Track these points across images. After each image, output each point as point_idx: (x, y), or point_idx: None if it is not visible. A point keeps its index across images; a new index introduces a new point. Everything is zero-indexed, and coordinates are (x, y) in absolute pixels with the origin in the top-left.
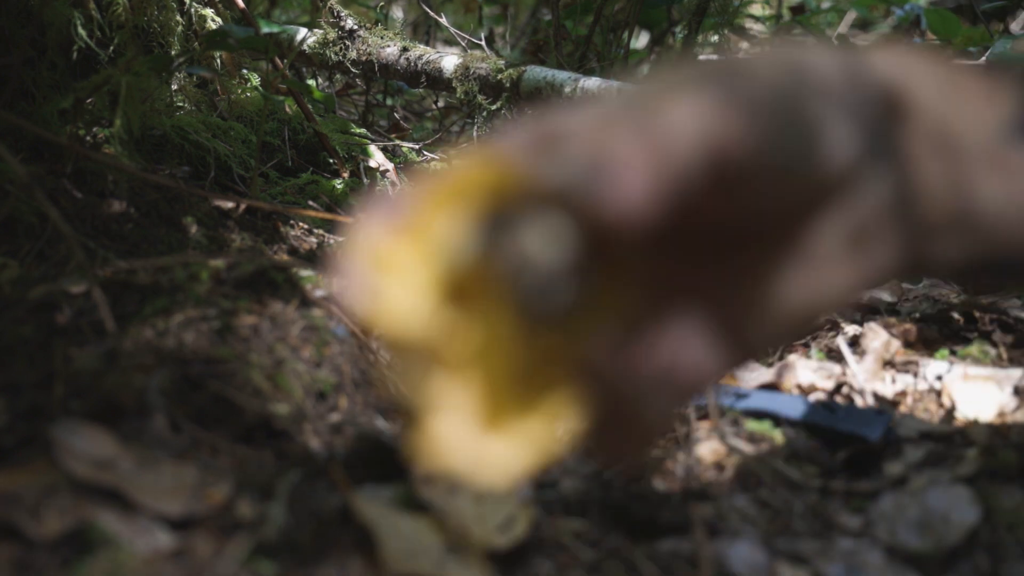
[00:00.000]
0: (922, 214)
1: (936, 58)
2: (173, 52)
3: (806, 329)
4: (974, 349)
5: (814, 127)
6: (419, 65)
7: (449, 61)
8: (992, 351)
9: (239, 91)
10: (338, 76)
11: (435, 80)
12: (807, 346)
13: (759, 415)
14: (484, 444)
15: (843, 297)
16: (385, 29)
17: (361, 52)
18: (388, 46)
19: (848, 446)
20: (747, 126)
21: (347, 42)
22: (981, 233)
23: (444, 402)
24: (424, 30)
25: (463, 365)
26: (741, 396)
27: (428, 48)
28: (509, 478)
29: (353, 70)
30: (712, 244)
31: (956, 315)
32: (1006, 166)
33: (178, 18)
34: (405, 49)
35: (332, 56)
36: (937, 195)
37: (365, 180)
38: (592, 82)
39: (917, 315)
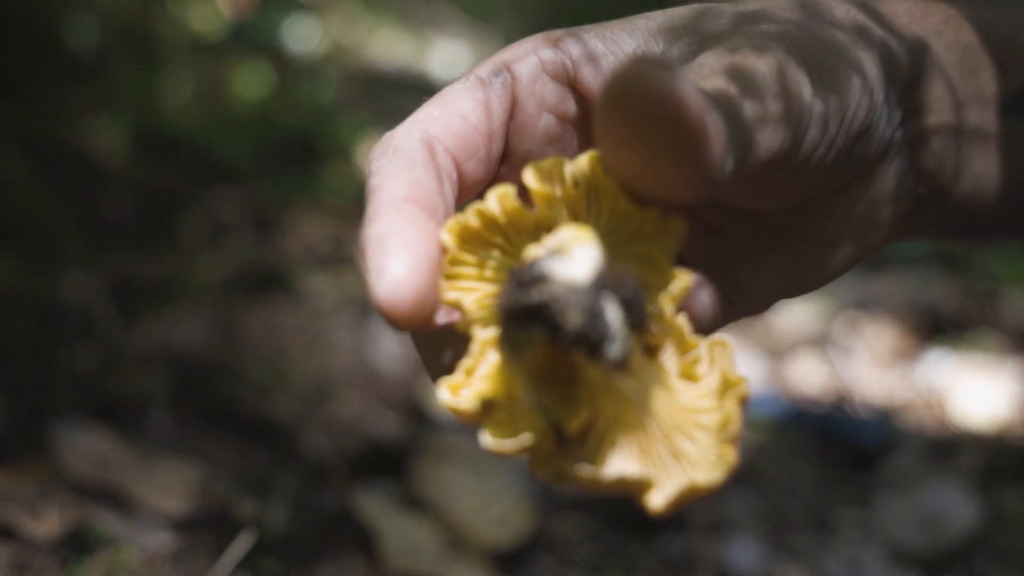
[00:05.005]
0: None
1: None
2: (173, 53)
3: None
4: (972, 344)
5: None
6: None
7: None
8: (990, 344)
9: (240, 90)
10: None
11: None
12: (805, 345)
13: (758, 415)
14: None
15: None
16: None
17: None
18: None
19: (847, 446)
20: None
21: None
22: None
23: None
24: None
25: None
26: None
27: None
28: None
29: None
30: None
31: (952, 309)
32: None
33: (177, 19)
34: None
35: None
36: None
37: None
38: None
39: (913, 310)
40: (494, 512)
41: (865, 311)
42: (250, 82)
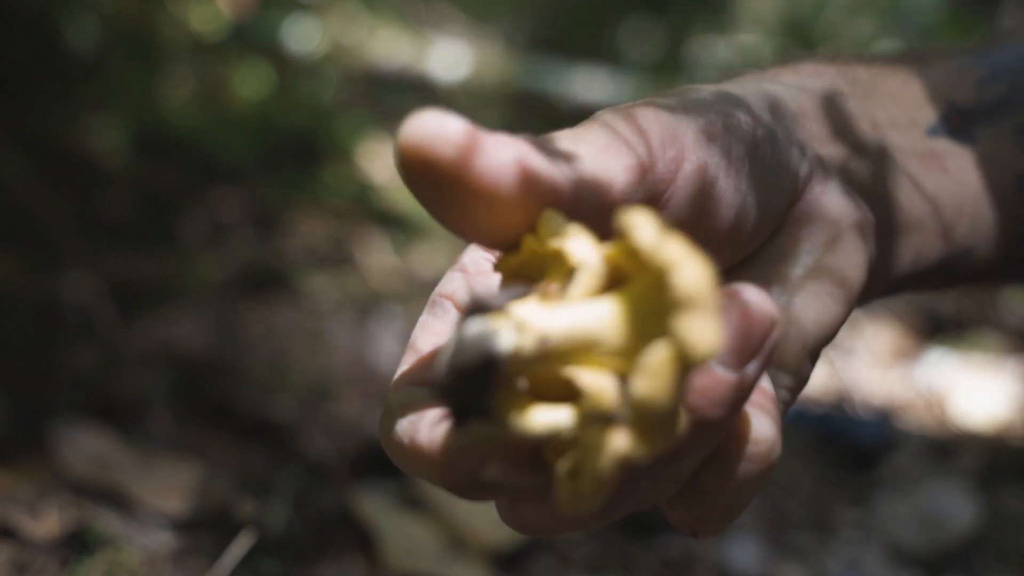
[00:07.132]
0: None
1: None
2: (173, 53)
3: None
4: (972, 344)
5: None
6: None
7: None
8: (990, 344)
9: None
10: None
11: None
12: None
13: None
14: None
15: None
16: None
17: None
18: None
19: (847, 446)
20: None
21: None
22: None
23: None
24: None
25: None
26: None
27: None
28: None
29: None
30: None
31: (952, 309)
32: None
33: (177, 19)
34: None
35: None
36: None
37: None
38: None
39: (913, 310)
40: (494, 512)
41: (865, 311)
42: (250, 82)
